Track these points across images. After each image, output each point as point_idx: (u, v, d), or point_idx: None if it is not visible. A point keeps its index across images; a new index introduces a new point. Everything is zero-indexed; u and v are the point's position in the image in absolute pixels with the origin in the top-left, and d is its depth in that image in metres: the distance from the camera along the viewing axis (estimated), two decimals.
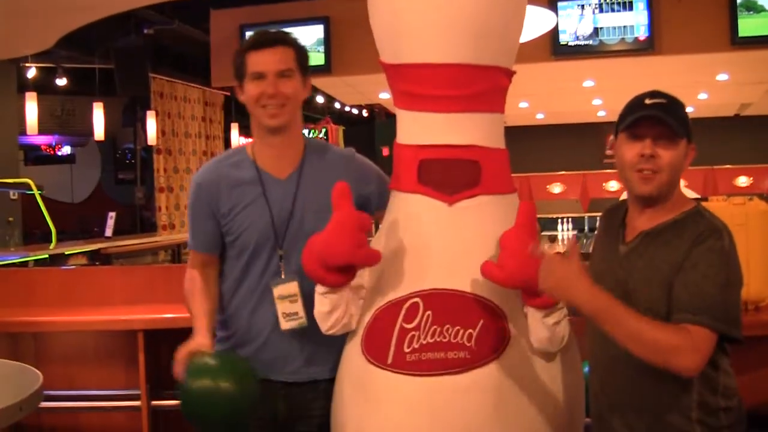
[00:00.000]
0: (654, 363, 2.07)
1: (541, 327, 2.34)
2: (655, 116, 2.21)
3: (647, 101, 2.26)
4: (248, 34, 9.80)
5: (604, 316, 2.09)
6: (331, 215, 2.34)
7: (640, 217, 2.34)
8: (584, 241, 14.20)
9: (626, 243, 2.36)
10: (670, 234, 2.24)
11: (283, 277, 2.60)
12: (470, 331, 2.37)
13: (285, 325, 2.58)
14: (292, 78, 2.60)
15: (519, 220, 2.36)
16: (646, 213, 2.32)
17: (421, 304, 2.40)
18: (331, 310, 2.41)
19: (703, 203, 2.39)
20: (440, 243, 2.46)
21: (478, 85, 2.47)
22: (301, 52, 2.64)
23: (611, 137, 2.40)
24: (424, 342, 2.37)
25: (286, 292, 2.58)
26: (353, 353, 2.50)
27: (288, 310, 2.57)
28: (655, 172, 2.22)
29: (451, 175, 2.47)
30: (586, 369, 2.52)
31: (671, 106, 2.26)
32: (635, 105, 2.29)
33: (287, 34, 2.67)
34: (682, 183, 2.40)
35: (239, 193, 2.63)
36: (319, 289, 2.40)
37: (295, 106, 2.66)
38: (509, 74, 2.57)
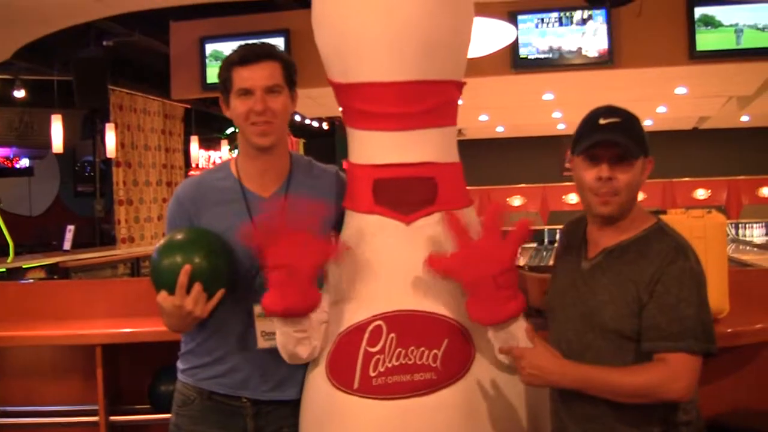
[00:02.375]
0: (649, 404, 2.13)
1: (501, 342, 2.35)
2: (610, 140, 2.20)
3: (602, 121, 2.24)
4: (208, 46, 9.75)
5: (584, 385, 2.18)
6: (316, 234, 2.31)
7: (601, 233, 2.34)
8: (543, 254, 14.30)
9: (588, 259, 2.36)
10: (634, 252, 2.25)
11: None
12: (435, 351, 2.37)
13: (263, 344, 2.53)
14: (281, 93, 2.53)
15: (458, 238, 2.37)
16: (606, 230, 2.32)
17: (384, 327, 2.38)
18: (286, 343, 2.38)
19: (662, 216, 2.40)
20: (400, 263, 2.44)
21: (430, 101, 2.46)
22: (288, 66, 2.56)
23: (570, 152, 2.40)
24: (390, 365, 2.36)
25: None
26: (318, 378, 2.48)
27: (268, 329, 2.50)
28: (613, 194, 2.23)
29: (407, 194, 2.46)
30: None
31: (626, 124, 2.25)
32: (590, 125, 2.27)
33: (274, 47, 2.59)
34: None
35: (222, 212, 2.57)
36: (276, 323, 2.36)
37: (284, 121, 2.58)
38: (460, 86, 2.56)
